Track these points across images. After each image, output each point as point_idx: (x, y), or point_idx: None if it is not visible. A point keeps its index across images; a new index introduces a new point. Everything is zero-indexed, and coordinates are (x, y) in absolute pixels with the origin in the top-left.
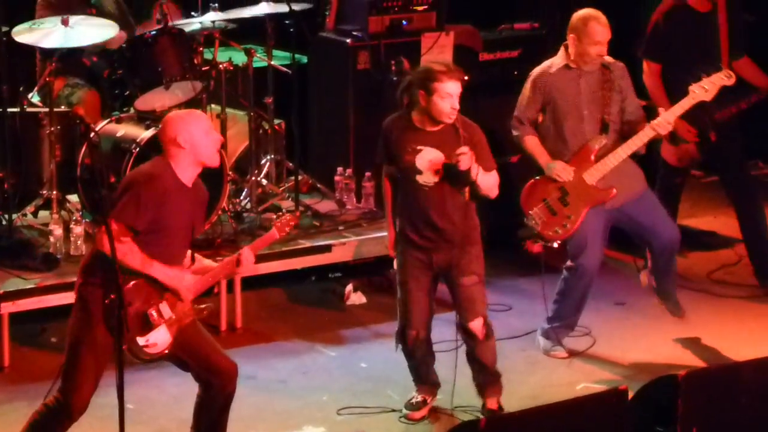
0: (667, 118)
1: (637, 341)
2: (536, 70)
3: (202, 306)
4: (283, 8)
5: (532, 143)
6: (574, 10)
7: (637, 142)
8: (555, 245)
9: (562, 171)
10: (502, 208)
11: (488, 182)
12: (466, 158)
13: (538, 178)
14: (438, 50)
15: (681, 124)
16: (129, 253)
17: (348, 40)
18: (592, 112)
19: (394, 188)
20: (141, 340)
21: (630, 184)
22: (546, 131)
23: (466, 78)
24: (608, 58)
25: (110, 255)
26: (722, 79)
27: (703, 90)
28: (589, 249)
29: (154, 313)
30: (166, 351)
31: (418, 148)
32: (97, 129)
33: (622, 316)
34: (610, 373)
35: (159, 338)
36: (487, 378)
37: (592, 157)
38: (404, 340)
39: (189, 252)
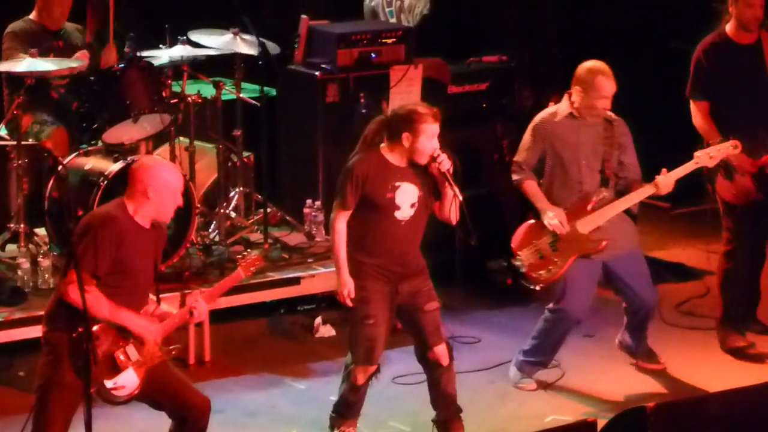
0: (668, 181)
1: (606, 373)
2: (538, 117)
3: (170, 347)
4: (253, 42)
5: (531, 188)
6: (542, 44)
7: (635, 198)
8: (537, 288)
9: (557, 226)
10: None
11: (458, 205)
12: (444, 157)
13: (532, 221)
14: (407, 83)
15: (741, 157)
16: (96, 302)
17: (317, 73)
18: (591, 163)
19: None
20: (109, 383)
21: (622, 240)
22: (545, 178)
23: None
24: (610, 114)
25: (75, 304)
26: (728, 149)
27: (707, 157)
28: (574, 297)
29: (122, 356)
30: (136, 392)
31: (397, 184)
32: (64, 162)
33: (591, 348)
34: (579, 405)
35: (127, 381)
36: (451, 412)
37: (589, 208)
38: (357, 377)
39: (154, 294)
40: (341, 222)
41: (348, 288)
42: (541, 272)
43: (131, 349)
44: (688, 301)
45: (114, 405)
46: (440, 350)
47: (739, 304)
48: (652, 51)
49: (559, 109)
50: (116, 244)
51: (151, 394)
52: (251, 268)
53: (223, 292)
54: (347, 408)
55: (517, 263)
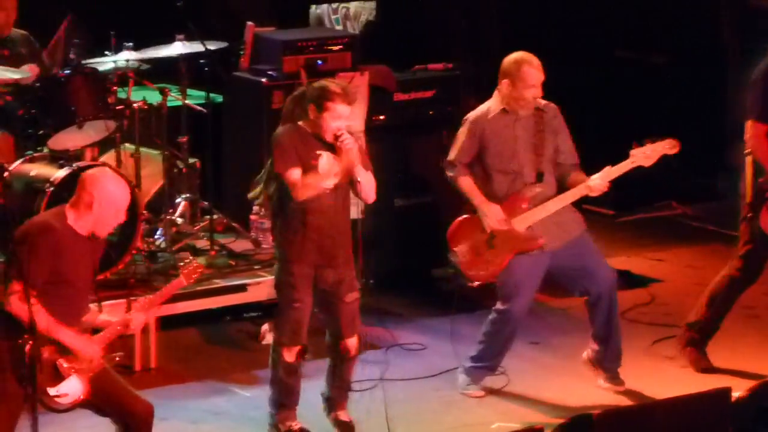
0: (602, 181)
1: (552, 380)
2: (472, 115)
3: (114, 355)
4: (198, 48)
5: (466, 184)
6: (487, 51)
7: (569, 198)
8: (474, 285)
9: (493, 222)
10: (416, 246)
11: (367, 178)
12: (349, 139)
13: (468, 216)
14: (353, 90)
15: None
16: (35, 316)
17: (263, 80)
18: (528, 157)
19: None
20: (52, 391)
21: (565, 229)
22: (481, 175)
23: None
24: (541, 101)
25: (17, 315)
26: (665, 147)
27: (644, 155)
28: (518, 296)
29: (64, 363)
30: (81, 398)
31: (318, 153)
32: (9, 168)
33: (536, 355)
34: (525, 412)
35: (70, 388)
36: (343, 393)
37: (524, 205)
38: (285, 355)
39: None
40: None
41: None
42: (479, 270)
43: (73, 357)
44: (632, 308)
45: (58, 412)
46: (352, 342)
47: (717, 325)
48: (598, 58)
49: (491, 105)
50: (54, 253)
51: (95, 400)
52: (193, 276)
53: (165, 300)
54: (286, 395)
55: (454, 259)
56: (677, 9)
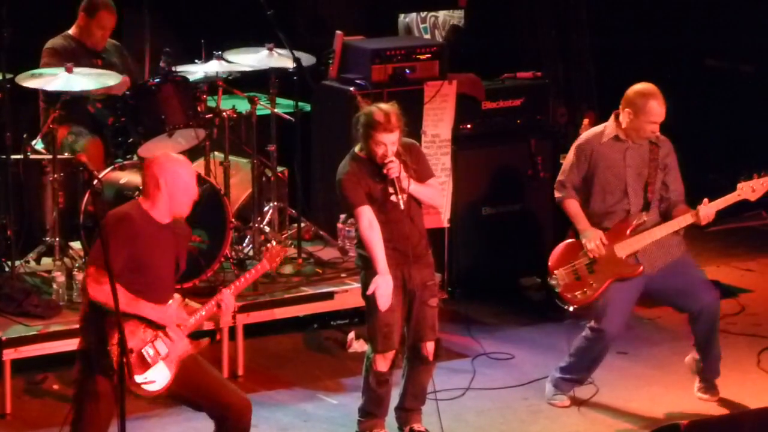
0: (708, 211)
1: (640, 390)
2: (583, 137)
3: (202, 339)
4: (287, 61)
5: (573, 207)
6: (576, 59)
7: (675, 225)
8: (570, 308)
9: (595, 248)
10: (505, 256)
11: (425, 191)
12: (394, 166)
13: (570, 240)
14: (441, 99)
15: None
16: (111, 295)
17: (351, 89)
18: (636, 186)
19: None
20: (139, 378)
21: (666, 251)
22: (584, 195)
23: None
24: (658, 134)
25: (96, 299)
26: None
27: (750, 190)
28: (614, 316)
29: (150, 351)
30: (168, 388)
31: (384, 171)
32: (100, 176)
33: (624, 365)
34: (613, 422)
35: (158, 375)
36: (417, 402)
37: (629, 232)
38: (378, 363)
39: (177, 294)
40: (366, 220)
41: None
42: (576, 293)
43: (159, 344)
44: (723, 318)
45: (144, 398)
46: (431, 346)
47: None
48: (687, 68)
49: (606, 129)
50: (130, 239)
51: (188, 393)
52: (276, 259)
53: (249, 284)
54: (375, 404)
55: (553, 282)
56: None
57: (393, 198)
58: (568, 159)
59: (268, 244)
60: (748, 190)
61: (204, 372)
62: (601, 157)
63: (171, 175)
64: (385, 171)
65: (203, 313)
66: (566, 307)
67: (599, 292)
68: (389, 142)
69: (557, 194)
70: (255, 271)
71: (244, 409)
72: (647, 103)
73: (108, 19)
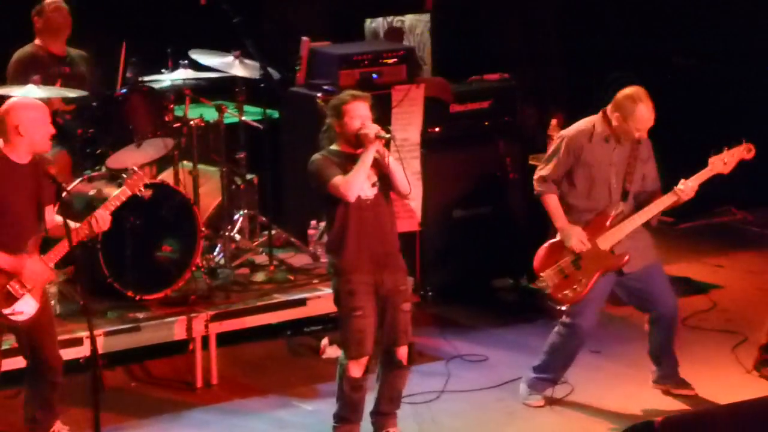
0: (688, 187)
1: (614, 389)
2: (571, 132)
3: (66, 269)
4: (255, 71)
5: (553, 203)
6: (544, 60)
7: (656, 208)
8: (563, 308)
9: (577, 243)
10: (477, 258)
11: (399, 170)
12: (369, 124)
13: (552, 241)
14: (409, 103)
15: None
16: None
17: (318, 95)
18: (618, 181)
19: None
20: (7, 311)
21: (643, 252)
22: (566, 190)
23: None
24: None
25: None
26: (742, 152)
27: (722, 163)
28: (587, 311)
29: (16, 285)
30: (36, 313)
31: (350, 167)
32: (68, 188)
33: (598, 364)
34: (588, 421)
35: (25, 306)
36: (393, 406)
37: (608, 223)
38: (352, 370)
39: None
40: (342, 184)
41: None
42: (566, 292)
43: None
44: (693, 315)
45: (18, 328)
46: (405, 351)
47: None
48: (656, 67)
49: (596, 128)
50: None
51: (27, 332)
52: (139, 184)
53: (117, 206)
54: (350, 410)
55: (542, 284)
56: (729, 13)
57: (362, 194)
58: (554, 153)
59: (131, 169)
60: (719, 163)
61: (46, 325)
62: (589, 155)
63: (27, 119)
64: (364, 133)
65: (80, 233)
66: (558, 306)
67: (589, 287)
68: (364, 112)
69: (538, 188)
70: (116, 198)
71: (56, 369)
72: (636, 109)
73: (58, 14)
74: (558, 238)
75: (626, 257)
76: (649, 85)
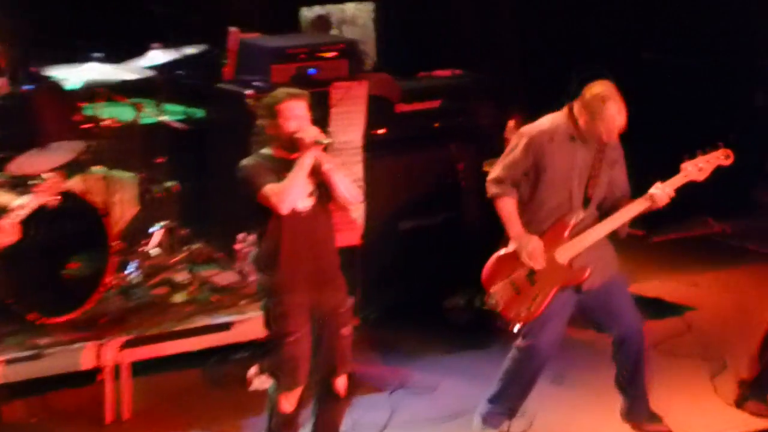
0: (663, 192)
1: (580, 420)
2: (533, 130)
3: None
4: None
5: (508, 208)
6: (501, 55)
7: (623, 216)
8: (515, 329)
9: (531, 256)
10: (426, 275)
11: (341, 178)
12: (307, 126)
13: (503, 252)
14: (350, 102)
15: None
16: None
17: (248, 91)
18: (581, 185)
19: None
20: None
21: (606, 267)
22: (526, 194)
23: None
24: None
25: None
26: (719, 158)
27: (697, 169)
28: (548, 329)
29: None
30: None
31: (285, 175)
32: None
33: (561, 393)
34: None
35: None
36: None
37: (566, 234)
38: (283, 404)
39: None
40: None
41: None
42: (519, 311)
43: None
44: (667, 340)
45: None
46: (343, 381)
47: None
48: (623, 62)
49: (558, 127)
50: None
51: None
52: (52, 193)
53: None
54: None
55: (491, 302)
56: (705, 9)
57: (297, 205)
58: (512, 152)
59: (40, 177)
60: (693, 169)
61: None
62: (551, 156)
63: None
64: (300, 136)
65: None
66: (510, 328)
67: (544, 305)
68: (300, 112)
69: (493, 190)
70: (29, 202)
71: None
72: (605, 108)
73: None
74: (511, 248)
75: (587, 272)
76: (616, 82)
